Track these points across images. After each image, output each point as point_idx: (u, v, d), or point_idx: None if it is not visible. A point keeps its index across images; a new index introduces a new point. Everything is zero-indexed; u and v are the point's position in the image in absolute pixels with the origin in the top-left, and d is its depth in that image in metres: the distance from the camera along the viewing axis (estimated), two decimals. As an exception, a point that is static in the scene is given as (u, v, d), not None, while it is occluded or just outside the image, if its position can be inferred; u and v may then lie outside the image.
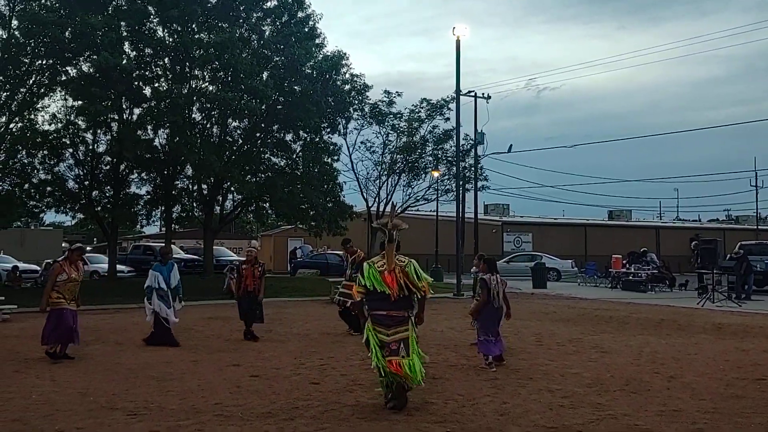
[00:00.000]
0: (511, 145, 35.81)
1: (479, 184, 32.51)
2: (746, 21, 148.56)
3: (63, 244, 53.33)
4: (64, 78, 23.90)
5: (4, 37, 22.91)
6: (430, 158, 30.89)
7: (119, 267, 28.74)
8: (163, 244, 12.67)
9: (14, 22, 22.85)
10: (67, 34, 22.00)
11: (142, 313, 12.00)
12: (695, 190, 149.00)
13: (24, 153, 23.85)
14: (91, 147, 25.40)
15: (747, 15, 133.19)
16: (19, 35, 22.58)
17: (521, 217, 51.12)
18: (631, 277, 26.19)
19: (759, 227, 55.41)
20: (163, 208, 27.91)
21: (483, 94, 34.08)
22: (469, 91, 33.47)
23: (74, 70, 23.88)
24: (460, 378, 8.61)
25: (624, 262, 27.93)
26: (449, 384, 8.23)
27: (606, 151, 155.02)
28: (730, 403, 7.31)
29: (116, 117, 24.24)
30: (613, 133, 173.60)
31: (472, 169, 32.05)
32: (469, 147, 31.78)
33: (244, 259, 12.94)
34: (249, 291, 12.19)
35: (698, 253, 22.17)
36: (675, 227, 57.60)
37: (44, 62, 23.46)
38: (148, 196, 27.26)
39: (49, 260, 27.13)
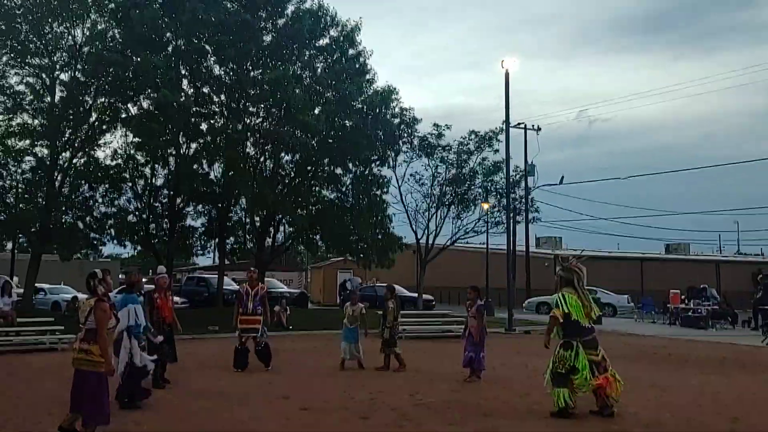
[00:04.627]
0: (562, 177, 35.38)
1: (530, 215, 32.20)
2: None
3: (120, 276, 54.76)
4: (124, 115, 24.83)
5: (71, 76, 23.97)
6: (480, 190, 30.82)
7: (174, 299, 29.24)
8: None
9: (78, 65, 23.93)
10: (128, 73, 22.92)
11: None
12: (757, 223, 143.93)
13: (86, 187, 24.69)
14: (149, 181, 26.13)
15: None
16: (80, 77, 23.64)
17: (574, 250, 50.22)
18: (690, 314, 25.36)
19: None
20: (217, 240, 28.44)
21: (533, 125, 33.91)
22: (519, 123, 33.40)
23: (134, 108, 24.82)
24: (512, 416, 8.45)
25: (683, 297, 27.12)
26: (503, 422, 8.07)
27: (662, 183, 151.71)
28: (798, 447, 6.97)
29: (174, 152, 24.94)
30: (668, 165, 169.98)
31: (523, 200, 31.78)
32: (519, 178, 31.59)
33: (153, 287, 10.69)
34: (166, 324, 10.19)
35: (761, 288, 21.42)
36: (736, 261, 55.73)
37: (106, 100, 24.45)
38: (203, 228, 27.87)
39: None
